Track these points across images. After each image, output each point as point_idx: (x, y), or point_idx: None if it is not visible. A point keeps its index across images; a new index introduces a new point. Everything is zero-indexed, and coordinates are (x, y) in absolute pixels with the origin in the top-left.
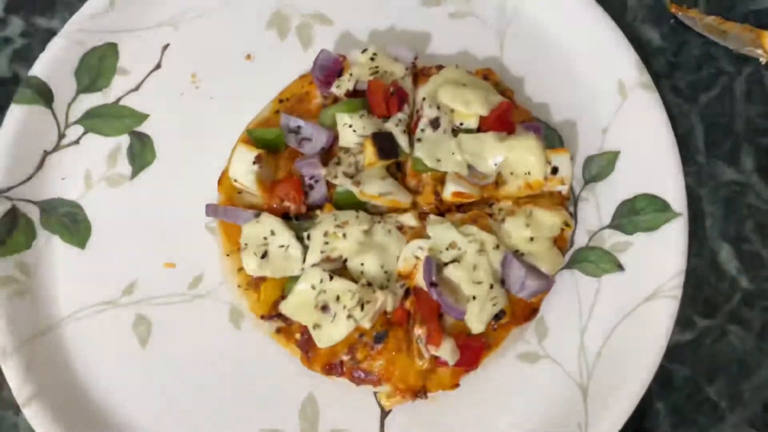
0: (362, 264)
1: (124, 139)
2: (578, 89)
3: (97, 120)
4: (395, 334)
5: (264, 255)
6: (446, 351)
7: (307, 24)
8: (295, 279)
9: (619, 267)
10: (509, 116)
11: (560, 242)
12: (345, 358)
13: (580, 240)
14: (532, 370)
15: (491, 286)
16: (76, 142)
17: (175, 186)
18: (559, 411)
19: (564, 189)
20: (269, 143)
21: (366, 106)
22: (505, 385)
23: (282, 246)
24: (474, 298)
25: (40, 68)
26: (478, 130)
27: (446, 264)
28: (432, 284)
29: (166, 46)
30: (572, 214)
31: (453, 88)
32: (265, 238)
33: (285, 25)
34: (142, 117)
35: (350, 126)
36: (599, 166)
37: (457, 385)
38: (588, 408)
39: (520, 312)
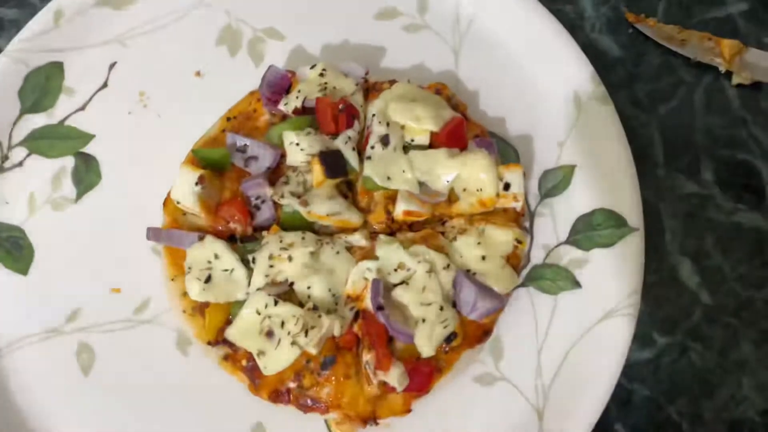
0: (309, 287)
1: (69, 161)
2: (534, 103)
3: (42, 141)
4: (343, 360)
5: (208, 279)
6: (395, 377)
7: (258, 39)
8: (240, 304)
9: (576, 284)
10: (461, 132)
11: (514, 260)
12: (292, 385)
13: (537, 256)
14: (489, 393)
15: (441, 308)
16: (20, 164)
17: (121, 208)
18: None
19: (518, 205)
20: (215, 163)
21: (314, 124)
22: (460, 409)
23: (226, 270)
24: (423, 320)
25: None
26: (430, 146)
27: (395, 285)
28: (379, 308)
29: (113, 64)
30: (527, 229)
31: (403, 104)
32: (209, 262)
33: (236, 41)
34: (88, 137)
35: (297, 144)
36: (555, 180)
37: (408, 411)
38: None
39: (472, 333)
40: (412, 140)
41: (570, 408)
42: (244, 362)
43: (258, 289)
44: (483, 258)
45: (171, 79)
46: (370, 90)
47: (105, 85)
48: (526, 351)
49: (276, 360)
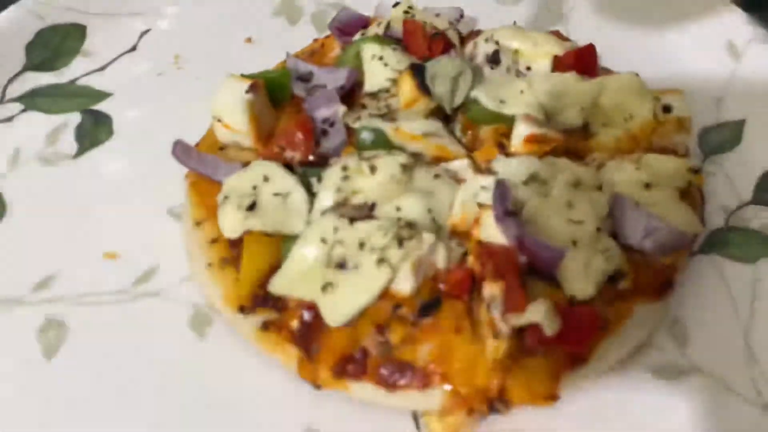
0: (399, 209)
1: (73, 118)
2: (674, 61)
3: (42, 99)
4: (452, 306)
5: (252, 206)
6: (540, 315)
7: (324, 12)
8: (294, 241)
9: None
10: (593, 59)
11: (688, 201)
12: (371, 344)
13: (715, 221)
14: (676, 389)
15: (598, 229)
16: (8, 120)
17: (132, 168)
18: None
19: (684, 139)
20: (271, 85)
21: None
22: (636, 412)
23: (278, 194)
24: (574, 243)
25: None
26: None
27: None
28: (507, 213)
29: (145, 32)
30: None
31: (515, 30)
32: (255, 188)
33: (297, 12)
34: (103, 95)
35: (381, 59)
36: (720, 138)
37: (556, 397)
38: None
39: (646, 282)
40: (529, 68)
41: None
42: (294, 324)
43: (324, 213)
44: (647, 186)
45: (215, 44)
46: (464, 40)
47: (134, 48)
48: (723, 334)
49: (351, 296)
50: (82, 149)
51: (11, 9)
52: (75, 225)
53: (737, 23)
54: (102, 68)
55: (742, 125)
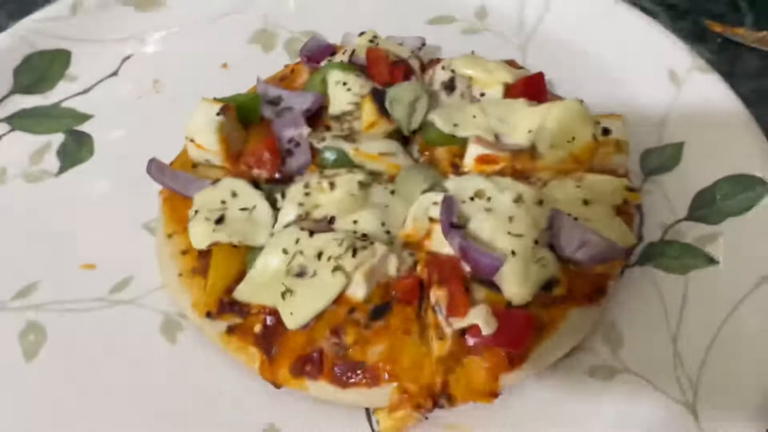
0: (355, 222)
1: (57, 138)
2: (619, 89)
3: (29, 120)
4: (402, 310)
5: (220, 219)
6: (479, 318)
7: (296, 39)
8: (258, 252)
9: (710, 261)
10: (542, 86)
11: (624, 217)
12: (326, 346)
13: (652, 235)
14: (608, 389)
15: (536, 242)
16: None
17: (111, 185)
18: None
19: (622, 159)
20: (241, 109)
21: (363, 74)
22: (570, 408)
23: (245, 209)
24: (513, 253)
25: None
26: None
27: (468, 222)
28: (452, 226)
29: (126, 57)
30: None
31: (470, 59)
32: (224, 202)
33: (271, 40)
34: (85, 117)
35: (344, 84)
36: (661, 159)
37: (495, 394)
38: (702, 426)
39: (579, 289)
40: (482, 94)
41: (734, 397)
42: (256, 328)
43: (287, 226)
44: (585, 203)
45: (192, 69)
46: (425, 67)
47: (115, 73)
48: (654, 339)
49: (308, 301)
50: (64, 167)
51: (1, 35)
52: (56, 238)
53: (679, 53)
54: (85, 91)
55: (681, 147)
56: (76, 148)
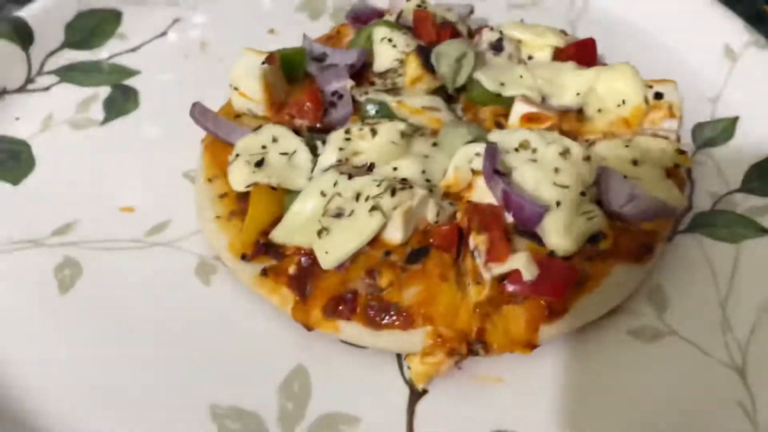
0: (395, 169)
1: (104, 90)
2: (673, 63)
3: (77, 73)
4: (438, 256)
5: (260, 163)
6: (519, 263)
7: (343, 9)
8: (296, 196)
9: (763, 231)
10: (593, 51)
11: (675, 180)
12: (361, 287)
13: (703, 204)
14: (652, 350)
15: (582, 194)
16: (46, 89)
17: (153, 136)
18: (702, 397)
19: (673, 124)
20: (286, 61)
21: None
22: (611, 368)
23: (285, 153)
24: (558, 204)
25: (28, 12)
26: None
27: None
28: (495, 172)
29: (176, 20)
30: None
31: (519, 24)
32: (264, 147)
33: (318, 8)
34: (132, 73)
35: (390, 41)
36: (713, 133)
37: (533, 345)
38: (752, 389)
39: (626, 246)
40: (530, 57)
41: None
42: (291, 270)
43: (326, 170)
44: (634, 163)
45: (240, 34)
46: (473, 35)
47: (164, 33)
48: (703, 303)
49: (344, 239)
50: (109, 117)
51: None
52: (96, 182)
53: (735, 28)
54: (133, 49)
55: (735, 122)
56: (122, 100)
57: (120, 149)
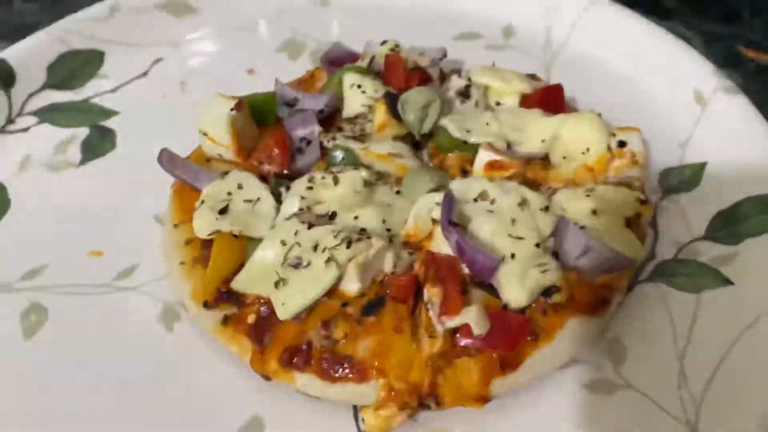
0: (356, 218)
1: (82, 131)
2: (643, 107)
3: (57, 113)
4: (395, 308)
5: (224, 210)
6: (471, 317)
7: (323, 50)
8: (258, 244)
9: (725, 281)
10: (560, 98)
11: (635, 230)
12: (316, 338)
13: (666, 252)
14: (606, 404)
15: (537, 245)
16: (25, 130)
17: (128, 178)
18: None
19: (636, 172)
20: (257, 108)
21: (379, 78)
22: (565, 422)
23: (249, 201)
24: (513, 256)
25: (11, 53)
26: None
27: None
28: (450, 223)
29: (157, 60)
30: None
31: (488, 68)
32: (229, 194)
33: (298, 49)
34: (111, 113)
35: (359, 87)
36: (680, 178)
37: (485, 399)
38: None
39: (582, 299)
40: (498, 103)
41: (737, 420)
42: (250, 319)
43: (288, 218)
44: (594, 213)
45: (219, 73)
46: (446, 77)
47: (145, 74)
48: (660, 356)
49: (300, 292)
50: (86, 158)
51: (38, 33)
52: (68, 224)
53: (705, 73)
54: (114, 90)
55: (702, 168)
56: (99, 142)
57: (94, 191)
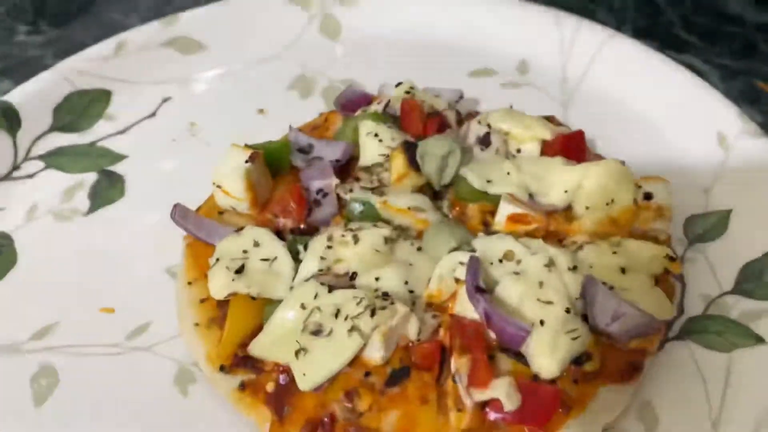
0: (377, 279)
1: (90, 177)
2: (665, 150)
3: (64, 158)
4: (419, 376)
5: (241, 269)
6: (501, 391)
7: (335, 87)
8: (276, 306)
9: (757, 339)
10: (582, 144)
11: (664, 288)
12: (339, 409)
13: (694, 308)
14: None
15: (567, 311)
16: (30, 176)
17: (138, 227)
18: None
19: (665, 226)
20: (271, 156)
21: (396, 125)
22: None
23: (266, 260)
24: (542, 323)
25: (17, 95)
26: None
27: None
28: (478, 289)
29: (166, 99)
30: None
31: (508, 113)
32: (245, 252)
33: (309, 87)
34: (119, 157)
35: (375, 136)
36: (707, 226)
37: None
38: None
39: (613, 365)
40: (519, 150)
41: None
42: (269, 387)
43: (307, 280)
44: (623, 270)
45: (229, 113)
46: (462, 121)
47: (153, 114)
48: (693, 420)
49: (321, 362)
50: (94, 207)
51: (44, 74)
52: (78, 279)
53: (728, 116)
54: (121, 132)
55: (728, 215)
56: (108, 188)
57: (103, 242)
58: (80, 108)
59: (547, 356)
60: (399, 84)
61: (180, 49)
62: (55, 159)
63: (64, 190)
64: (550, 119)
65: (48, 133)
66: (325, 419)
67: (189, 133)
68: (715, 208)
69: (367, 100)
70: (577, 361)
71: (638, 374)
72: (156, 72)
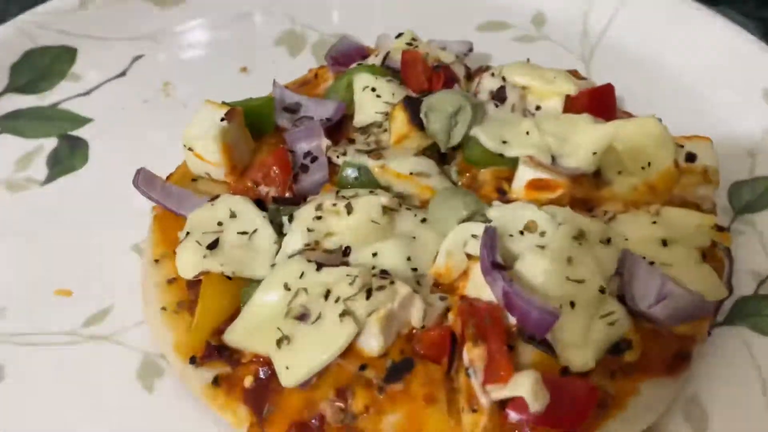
0: (375, 255)
1: (50, 142)
2: (701, 110)
3: (21, 122)
4: (425, 370)
5: (214, 245)
6: (524, 388)
7: (327, 42)
8: (256, 286)
9: None
10: (611, 99)
11: (711, 263)
12: (329, 410)
13: (744, 287)
14: None
15: (601, 290)
16: None
17: (103, 198)
18: None
19: (710, 192)
20: (251, 114)
21: (396, 79)
22: None
23: (244, 233)
24: (572, 305)
25: None
26: None
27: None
28: (494, 265)
29: (137, 57)
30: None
31: (525, 66)
32: (220, 224)
33: (299, 43)
34: (83, 121)
35: (373, 90)
36: (753, 194)
37: None
38: None
39: (656, 355)
40: (538, 107)
41: None
42: (247, 382)
43: (291, 256)
44: (664, 243)
45: (208, 72)
46: (472, 76)
47: (122, 74)
48: (748, 417)
49: (308, 353)
50: (53, 175)
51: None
52: (31, 257)
53: None
54: (87, 93)
55: None
56: (69, 155)
57: (62, 216)
58: (41, 67)
59: (578, 345)
60: (400, 35)
61: (155, 1)
62: (10, 123)
63: (19, 158)
64: (573, 73)
65: (3, 93)
66: (313, 422)
67: (163, 93)
68: (763, 174)
69: (362, 53)
70: (615, 350)
71: (686, 365)
72: (127, 27)
